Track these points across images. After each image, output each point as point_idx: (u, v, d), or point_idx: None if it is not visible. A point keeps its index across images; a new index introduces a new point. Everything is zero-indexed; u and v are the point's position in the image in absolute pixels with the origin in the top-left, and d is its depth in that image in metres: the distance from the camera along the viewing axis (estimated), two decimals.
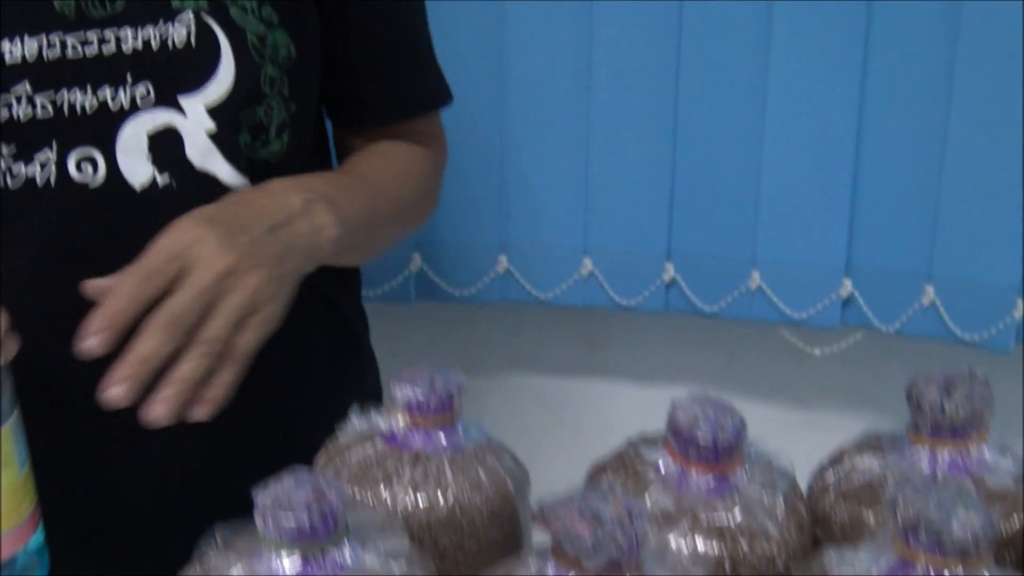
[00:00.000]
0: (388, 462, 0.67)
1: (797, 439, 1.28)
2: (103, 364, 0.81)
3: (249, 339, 0.71)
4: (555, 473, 1.27)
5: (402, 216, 0.96)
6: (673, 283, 1.22)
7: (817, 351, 1.25)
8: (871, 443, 0.67)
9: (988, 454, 0.63)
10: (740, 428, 0.63)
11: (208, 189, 0.81)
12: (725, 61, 1.14)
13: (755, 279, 1.19)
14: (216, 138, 0.82)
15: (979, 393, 0.62)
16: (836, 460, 0.67)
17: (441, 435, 0.68)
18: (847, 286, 1.17)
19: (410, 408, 0.68)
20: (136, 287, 0.68)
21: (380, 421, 0.70)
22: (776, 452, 0.66)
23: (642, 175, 1.19)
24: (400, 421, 0.68)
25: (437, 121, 1.00)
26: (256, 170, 0.84)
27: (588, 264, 1.23)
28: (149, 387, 0.67)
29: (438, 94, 0.98)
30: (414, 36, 0.95)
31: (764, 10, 1.12)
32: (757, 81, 1.14)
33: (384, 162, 0.94)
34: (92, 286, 0.70)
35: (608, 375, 1.33)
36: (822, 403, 1.29)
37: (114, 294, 0.68)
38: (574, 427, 1.35)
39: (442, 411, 0.68)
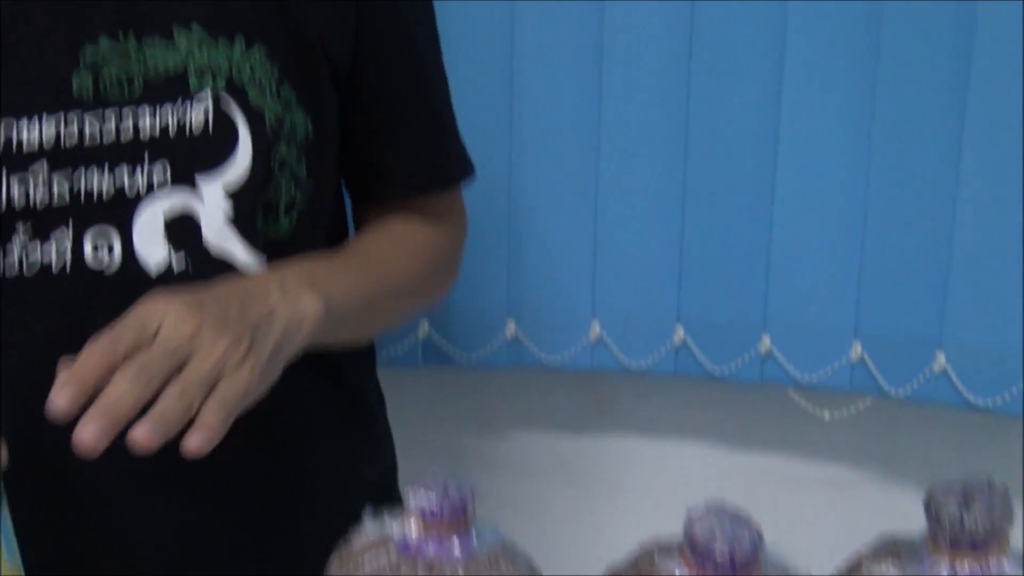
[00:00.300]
0: (402, 570, 0.66)
1: (807, 499, 1.28)
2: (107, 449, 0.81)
3: (220, 398, 0.68)
4: (568, 538, 1.27)
5: (410, 292, 0.94)
6: (683, 345, 1.22)
7: (827, 414, 1.24)
8: (889, 550, 0.66)
9: (1008, 567, 0.62)
10: (757, 541, 0.62)
11: (223, 273, 0.81)
12: (735, 124, 1.15)
13: (765, 342, 1.19)
14: (234, 221, 0.81)
15: (999, 505, 0.62)
16: (854, 567, 0.66)
17: (455, 542, 0.67)
18: (857, 350, 1.16)
19: (423, 515, 0.67)
20: (103, 350, 0.67)
21: (394, 526, 0.69)
22: (794, 560, 0.66)
23: (651, 237, 1.19)
24: (413, 528, 0.67)
25: (456, 195, 0.99)
26: (269, 249, 0.84)
27: (596, 328, 1.22)
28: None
29: (456, 169, 0.97)
30: (433, 110, 0.94)
31: (775, 72, 1.13)
32: (768, 144, 1.14)
33: (389, 239, 0.93)
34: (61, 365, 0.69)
35: (617, 435, 1.33)
36: (832, 464, 1.28)
37: (82, 358, 0.67)
38: (584, 489, 1.34)
39: (456, 518, 0.67)
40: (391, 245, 0.92)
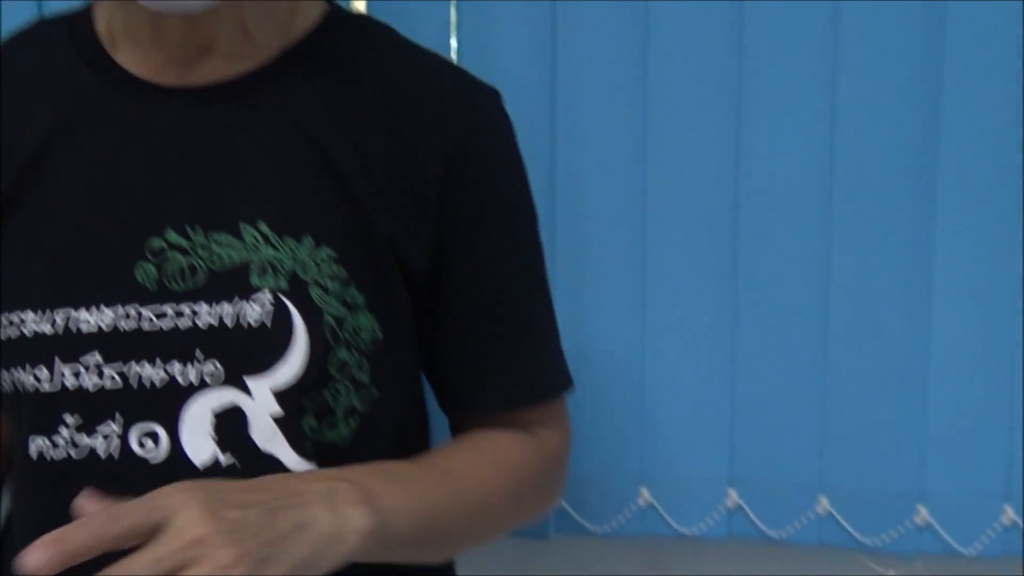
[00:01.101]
0: None
1: None
2: None
3: None
4: None
5: (493, 513, 0.85)
6: (737, 509, 1.17)
7: (892, 572, 1.19)
8: None
9: None
10: None
11: (271, 471, 0.76)
12: (783, 286, 1.13)
13: (824, 504, 1.15)
14: (281, 422, 0.78)
15: None
16: None
17: None
18: (922, 513, 1.12)
19: None
20: (99, 525, 0.63)
21: None
22: None
23: (700, 400, 1.16)
24: None
25: (553, 407, 0.90)
26: (323, 454, 0.79)
27: (645, 494, 1.18)
28: None
29: (549, 383, 0.89)
30: (523, 322, 0.87)
31: (823, 254, 1.11)
32: (817, 307, 1.12)
33: (472, 453, 0.86)
34: (81, 504, 0.67)
35: None
36: None
37: (75, 525, 0.63)
38: None
39: None
40: (473, 460, 0.85)
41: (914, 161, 1.08)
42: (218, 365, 0.77)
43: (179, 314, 0.77)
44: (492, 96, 0.86)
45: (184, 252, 0.78)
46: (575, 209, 1.14)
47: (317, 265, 0.79)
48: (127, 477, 0.77)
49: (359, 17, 0.88)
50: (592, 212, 1.14)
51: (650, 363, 1.16)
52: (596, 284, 1.15)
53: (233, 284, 0.77)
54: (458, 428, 0.90)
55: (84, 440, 0.78)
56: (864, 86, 1.08)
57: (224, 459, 0.77)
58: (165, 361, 0.77)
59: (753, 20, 1.09)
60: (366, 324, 0.80)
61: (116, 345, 0.77)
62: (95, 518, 0.64)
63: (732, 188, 1.12)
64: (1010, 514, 1.10)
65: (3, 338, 0.80)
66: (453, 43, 1.14)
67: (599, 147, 1.14)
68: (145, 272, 0.78)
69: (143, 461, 0.77)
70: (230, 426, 0.77)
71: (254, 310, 0.77)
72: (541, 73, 1.13)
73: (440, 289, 0.83)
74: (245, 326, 0.77)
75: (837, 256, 1.11)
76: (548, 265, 1.12)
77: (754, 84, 1.10)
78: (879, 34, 1.07)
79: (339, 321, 0.79)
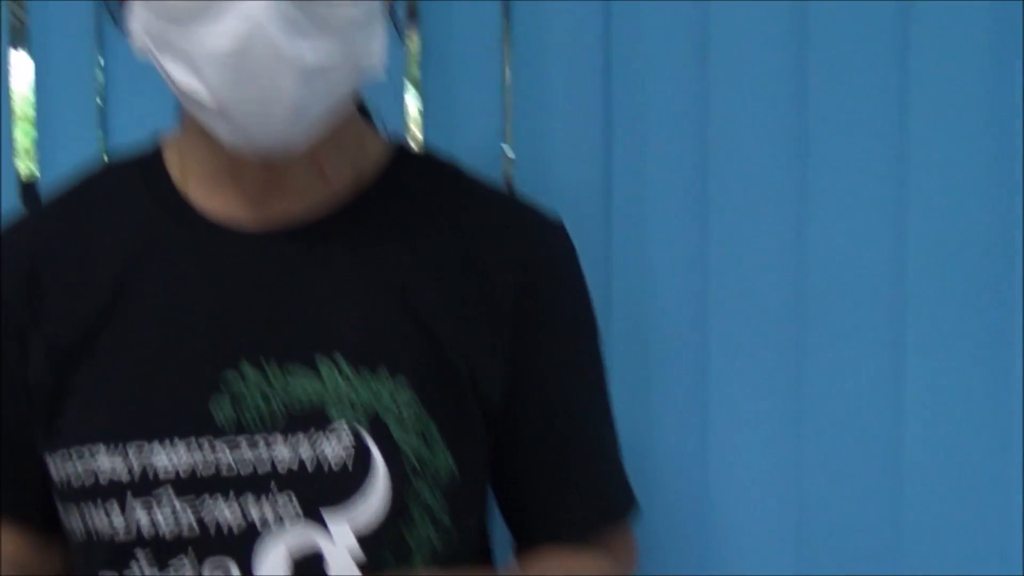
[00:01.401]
0: None
1: None
2: None
3: None
4: None
5: None
6: None
7: None
8: None
9: None
10: None
11: None
12: (851, 388, 1.09)
13: None
14: (365, 568, 0.77)
15: None
16: None
17: None
18: None
19: None
20: None
21: None
22: None
23: (767, 503, 1.11)
24: None
25: (621, 528, 0.93)
26: None
27: None
28: None
29: (622, 504, 0.92)
30: (593, 440, 0.89)
31: (891, 349, 1.07)
32: (888, 406, 1.08)
33: (559, 570, 0.87)
34: None
35: None
36: None
37: None
38: None
39: None
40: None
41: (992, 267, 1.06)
42: (294, 499, 0.76)
43: (253, 446, 0.77)
44: (558, 227, 0.88)
45: (259, 386, 0.78)
46: (633, 318, 1.11)
47: (394, 399, 0.78)
48: None
49: (424, 155, 0.91)
50: (651, 319, 1.11)
51: (713, 466, 1.12)
52: (657, 390, 1.12)
53: (310, 418, 0.77)
54: (526, 547, 0.90)
55: None
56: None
57: None
58: (238, 495, 0.76)
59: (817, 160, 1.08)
60: (443, 460, 0.79)
61: (189, 481, 0.77)
62: None
63: (797, 289, 1.08)
64: None
65: (72, 472, 0.79)
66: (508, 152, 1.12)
67: (657, 248, 1.11)
68: (220, 406, 0.77)
69: None
70: (307, 568, 0.77)
71: (332, 446, 0.77)
72: (596, 179, 1.11)
73: (513, 417, 0.84)
74: (323, 463, 0.76)
75: (912, 356, 1.07)
76: (608, 376, 1.10)
77: (817, 203, 1.08)
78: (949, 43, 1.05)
79: (419, 457, 0.78)
